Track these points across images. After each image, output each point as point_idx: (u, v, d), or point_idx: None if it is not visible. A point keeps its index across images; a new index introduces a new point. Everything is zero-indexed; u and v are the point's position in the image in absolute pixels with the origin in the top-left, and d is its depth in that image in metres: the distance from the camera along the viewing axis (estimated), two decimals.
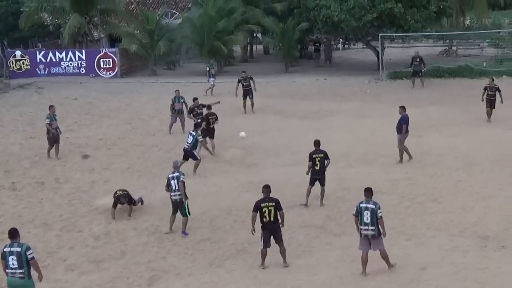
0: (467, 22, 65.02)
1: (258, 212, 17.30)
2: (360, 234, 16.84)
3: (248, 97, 36.04)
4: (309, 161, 21.99)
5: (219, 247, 19.12)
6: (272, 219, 17.20)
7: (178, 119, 32.18)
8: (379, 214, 16.57)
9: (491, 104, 32.05)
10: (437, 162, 26.26)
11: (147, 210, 22.12)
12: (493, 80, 32.62)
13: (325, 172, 22.11)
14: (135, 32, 53.29)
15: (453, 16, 55.95)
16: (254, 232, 17.45)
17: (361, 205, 16.79)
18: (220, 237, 19.83)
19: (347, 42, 64.32)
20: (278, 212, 17.28)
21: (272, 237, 17.39)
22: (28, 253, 14.39)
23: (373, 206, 16.62)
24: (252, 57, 62.64)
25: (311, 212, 21.40)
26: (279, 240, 17.44)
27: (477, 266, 17.06)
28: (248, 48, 62.87)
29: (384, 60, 48.34)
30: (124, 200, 21.53)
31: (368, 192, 16.93)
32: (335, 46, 64.45)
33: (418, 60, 43.54)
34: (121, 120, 35.77)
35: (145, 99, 41.45)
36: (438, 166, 25.86)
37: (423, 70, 43.64)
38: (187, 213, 20.03)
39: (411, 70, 43.90)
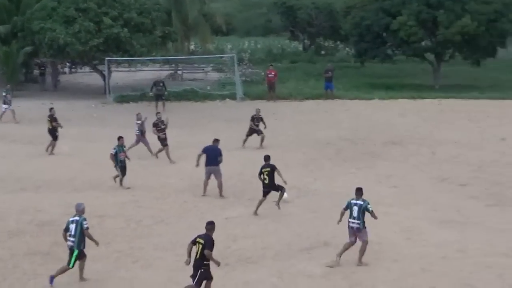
0: (192, 47, 66.65)
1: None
2: (348, 226, 19.09)
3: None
4: (259, 175, 23.46)
5: None
6: (198, 256, 16.23)
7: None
8: (370, 209, 18.91)
9: (252, 132, 33.05)
10: (164, 185, 26.65)
11: None
12: (259, 110, 33.57)
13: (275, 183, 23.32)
14: None
15: (178, 41, 57.09)
16: (188, 263, 16.44)
17: (351, 201, 19.12)
18: None
19: (73, 66, 63.55)
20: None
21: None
22: None
23: (362, 203, 18.95)
24: None
25: (36, 239, 20.85)
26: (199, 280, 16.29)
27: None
28: None
29: (111, 84, 48.39)
30: None
31: (359, 191, 19.18)
32: (61, 69, 63.47)
33: (161, 84, 43.89)
34: None
35: None
36: (165, 188, 26.26)
37: (165, 94, 44.06)
38: (72, 264, 17.39)
39: (152, 94, 44.07)
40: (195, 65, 61.20)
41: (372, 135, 35.67)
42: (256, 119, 33.44)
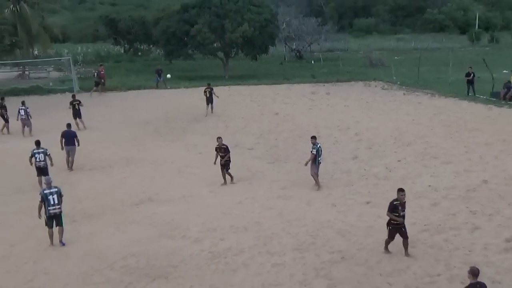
0: (36, 52, 63.48)
1: None
2: (318, 162, 20.59)
3: None
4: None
5: None
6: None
7: None
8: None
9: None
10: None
11: None
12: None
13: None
14: None
15: (23, 48, 54.11)
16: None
17: (319, 146, 20.47)
18: None
19: None
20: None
21: None
22: None
23: (320, 144, 20.71)
24: None
25: None
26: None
27: None
28: None
29: None
30: None
31: (314, 137, 20.75)
32: None
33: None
34: None
35: None
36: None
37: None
38: (63, 223, 16.74)
39: None
40: (39, 66, 58.36)
41: (180, 115, 35.65)
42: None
